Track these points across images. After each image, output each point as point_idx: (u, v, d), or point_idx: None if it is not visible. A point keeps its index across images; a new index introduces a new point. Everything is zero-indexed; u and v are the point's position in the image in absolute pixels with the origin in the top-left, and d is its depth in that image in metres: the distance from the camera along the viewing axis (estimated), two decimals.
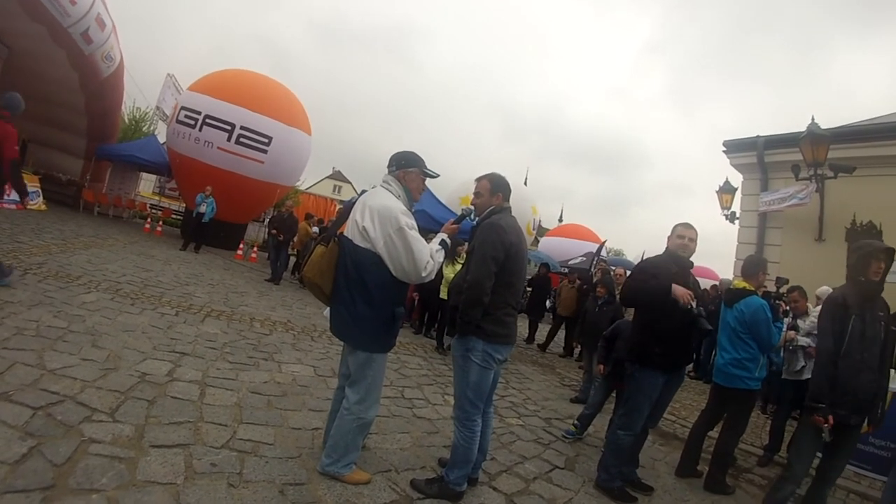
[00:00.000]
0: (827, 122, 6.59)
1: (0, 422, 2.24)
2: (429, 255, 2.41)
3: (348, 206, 2.65)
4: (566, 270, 9.37)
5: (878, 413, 2.78)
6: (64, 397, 2.62)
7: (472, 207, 2.82)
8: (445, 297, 7.18)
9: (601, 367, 4.11)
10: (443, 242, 2.60)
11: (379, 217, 2.39)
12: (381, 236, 2.37)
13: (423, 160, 2.66)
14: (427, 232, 8.38)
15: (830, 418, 2.59)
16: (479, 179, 2.77)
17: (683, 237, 3.09)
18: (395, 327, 2.55)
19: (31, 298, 4.26)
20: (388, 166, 2.65)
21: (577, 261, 12.55)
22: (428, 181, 2.79)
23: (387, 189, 2.56)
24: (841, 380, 2.63)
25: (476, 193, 2.75)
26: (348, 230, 2.51)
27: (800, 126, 6.74)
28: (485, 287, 2.44)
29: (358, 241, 2.43)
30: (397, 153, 2.65)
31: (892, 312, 2.79)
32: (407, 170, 2.59)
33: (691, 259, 3.15)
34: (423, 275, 2.39)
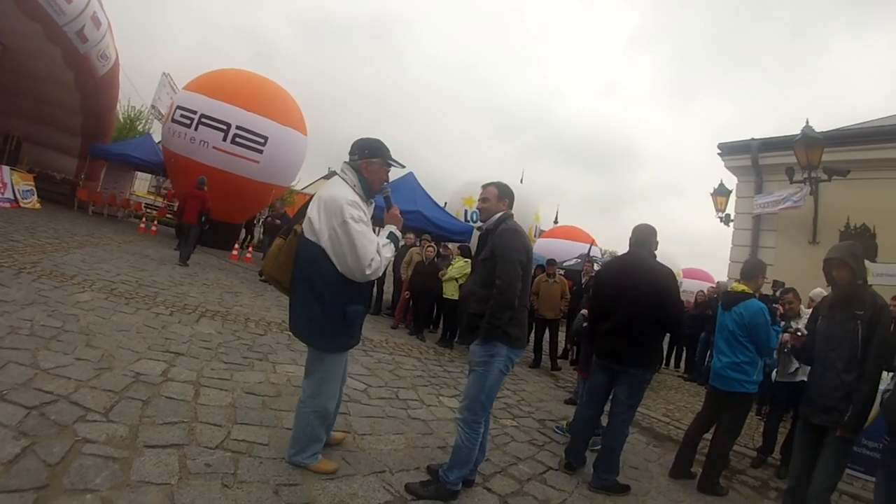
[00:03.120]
0: (822, 121, 6.66)
1: None
2: (375, 251, 2.28)
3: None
4: (562, 272, 9.11)
5: (852, 417, 2.54)
6: (58, 397, 2.61)
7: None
8: (449, 296, 7.13)
9: None
10: (391, 235, 2.47)
11: (325, 208, 2.28)
12: (325, 229, 2.26)
13: (387, 149, 2.51)
14: (421, 233, 8.32)
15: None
16: (486, 186, 2.80)
17: None
18: (348, 328, 2.42)
19: (26, 297, 4.24)
20: (350, 154, 2.49)
21: (571, 262, 12.56)
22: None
23: (342, 178, 2.43)
24: (810, 379, 2.90)
25: (483, 199, 2.79)
26: (304, 222, 2.40)
27: (795, 127, 6.81)
28: (516, 290, 2.51)
29: (307, 232, 2.34)
30: (361, 140, 2.51)
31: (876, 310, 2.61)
32: (370, 160, 2.44)
33: None
34: (368, 273, 2.26)
